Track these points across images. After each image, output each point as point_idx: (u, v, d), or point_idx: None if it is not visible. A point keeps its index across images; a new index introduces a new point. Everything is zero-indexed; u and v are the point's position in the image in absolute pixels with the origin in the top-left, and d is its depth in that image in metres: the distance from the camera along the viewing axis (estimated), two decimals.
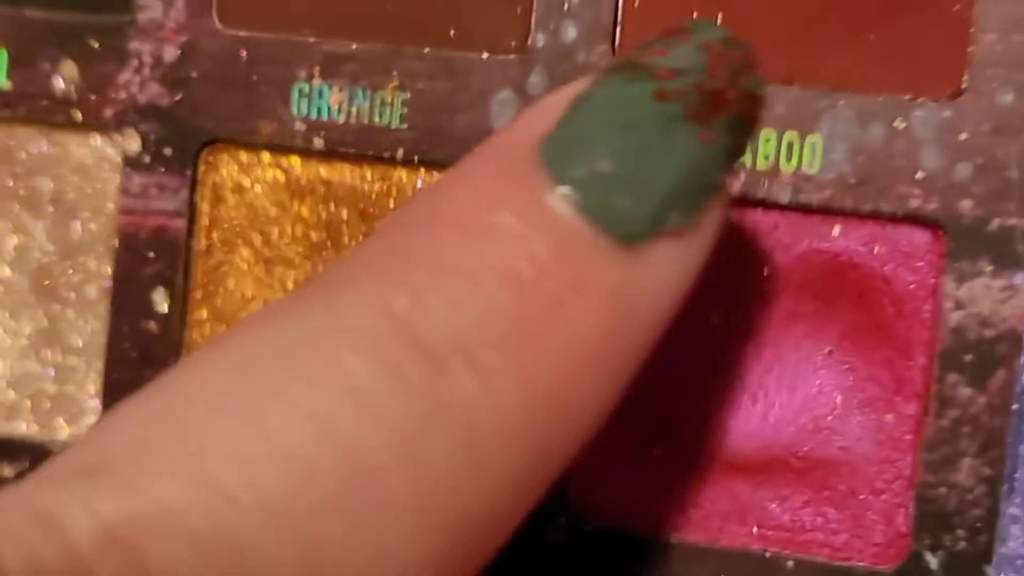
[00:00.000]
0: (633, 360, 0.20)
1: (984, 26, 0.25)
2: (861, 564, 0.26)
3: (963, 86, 0.25)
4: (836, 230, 0.26)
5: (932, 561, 0.25)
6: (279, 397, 0.17)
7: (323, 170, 0.27)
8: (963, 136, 0.25)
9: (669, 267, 0.19)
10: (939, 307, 0.25)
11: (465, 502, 0.18)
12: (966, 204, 0.25)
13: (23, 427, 0.28)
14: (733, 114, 0.20)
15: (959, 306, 0.25)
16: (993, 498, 0.25)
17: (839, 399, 0.26)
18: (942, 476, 0.25)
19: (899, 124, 0.25)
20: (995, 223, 0.25)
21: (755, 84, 0.20)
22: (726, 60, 0.20)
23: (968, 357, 0.25)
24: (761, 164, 0.25)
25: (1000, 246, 0.25)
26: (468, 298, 0.18)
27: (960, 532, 0.25)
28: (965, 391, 0.25)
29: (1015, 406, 0.25)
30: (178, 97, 0.27)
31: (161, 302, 0.28)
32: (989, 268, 0.25)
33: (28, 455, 0.28)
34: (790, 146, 0.25)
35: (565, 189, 0.19)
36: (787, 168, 0.25)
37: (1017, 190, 0.25)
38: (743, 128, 0.20)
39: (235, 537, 0.16)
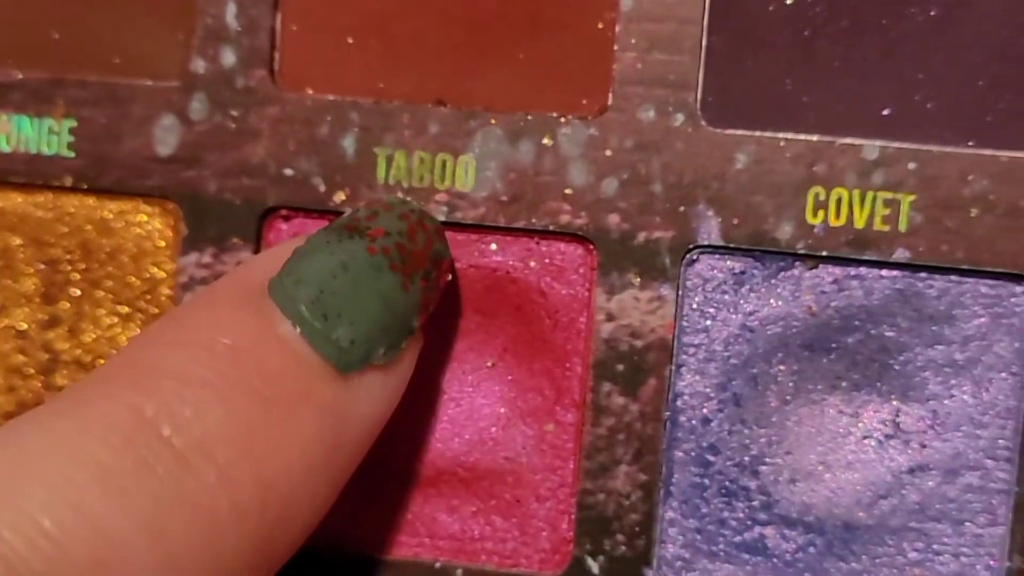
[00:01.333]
0: (346, 464, 0.23)
1: (625, 45, 0.25)
2: (528, 571, 0.26)
3: (607, 103, 0.26)
4: (493, 246, 0.26)
5: (594, 566, 0.26)
6: (36, 485, 0.20)
7: None
8: (608, 152, 0.26)
9: (375, 393, 0.23)
10: (592, 319, 0.26)
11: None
12: (613, 219, 0.26)
13: None
14: (426, 271, 0.23)
15: (610, 318, 0.26)
16: (650, 503, 0.26)
17: (503, 410, 0.26)
18: (601, 483, 0.26)
19: (547, 142, 0.26)
20: (641, 236, 0.26)
21: (443, 249, 0.24)
22: (421, 228, 0.24)
23: (620, 367, 0.26)
24: (417, 183, 0.26)
25: (647, 259, 0.26)
26: (210, 406, 0.21)
27: (619, 537, 0.26)
28: (619, 400, 0.26)
29: (667, 413, 0.26)
30: None
31: None
32: (637, 280, 0.26)
33: None
34: (443, 165, 0.26)
35: (292, 320, 0.22)
36: (441, 187, 0.26)
37: (661, 204, 0.25)
38: (433, 284, 0.24)
39: None
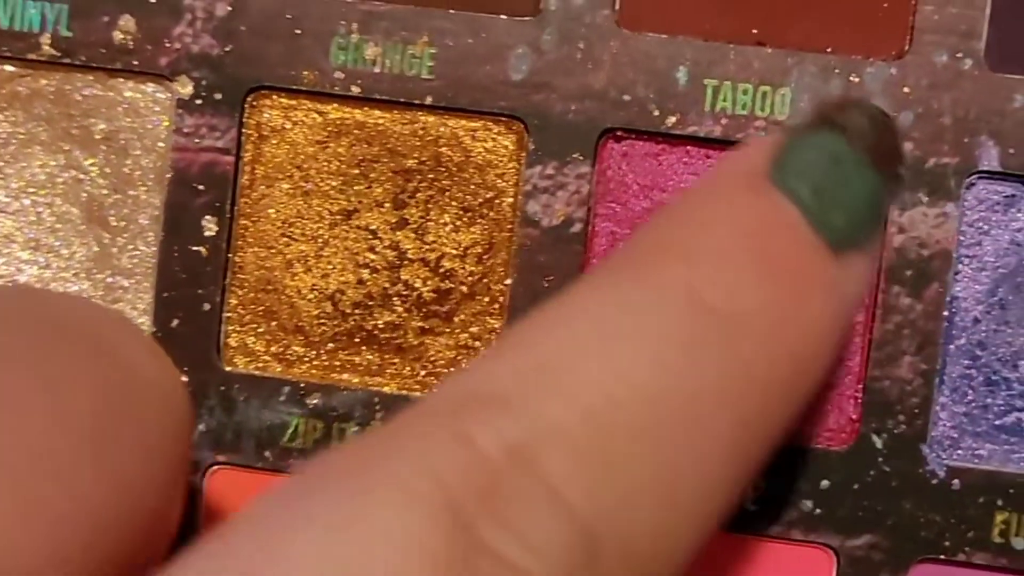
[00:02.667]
0: (838, 342, 0.25)
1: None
2: (818, 446, 0.31)
3: (906, 48, 0.30)
4: None
5: (877, 441, 0.31)
6: (620, 343, 0.21)
7: (358, 114, 0.31)
8: (906, 89, 0.30)
9: (858, 275, 0.25)
10: (885, 231, 0.31)
11: (752, 433, 0.23)
12: (907, 146, 0.30)
13: None
14: (893, 166, 0.26)
15: (901, 230, 0.31)
16: (928, 388, 0.31)
17: None
18: (887, 371, 0.31)
19: (854, 79, 0.30)
20: (931, 162, 0.30)
21: (902, 148, 0.26)
22: (887, 128, 0.26)
23: (908, 272, 0.31)
24: (740, 111, 0.30)
25: (934, 181, 0.30)
26: (745, 279, 0.23)
27: (901, 417, 0.31)
28: (905, 300, 0.31)
29: (945, 313, 0.31)
30: (228, 48, 0.31)
31: (210, 228, 0.32)
32: (926, 199, 0.30)
33: None
34: (764, 96, 0.31)
35: (794, 201, 0.24)
36: (762, 114, 0.30)
37: (948, 135, 0.30)
38: (898, 181, 0.26)
39: (605, 449, 0.20)
